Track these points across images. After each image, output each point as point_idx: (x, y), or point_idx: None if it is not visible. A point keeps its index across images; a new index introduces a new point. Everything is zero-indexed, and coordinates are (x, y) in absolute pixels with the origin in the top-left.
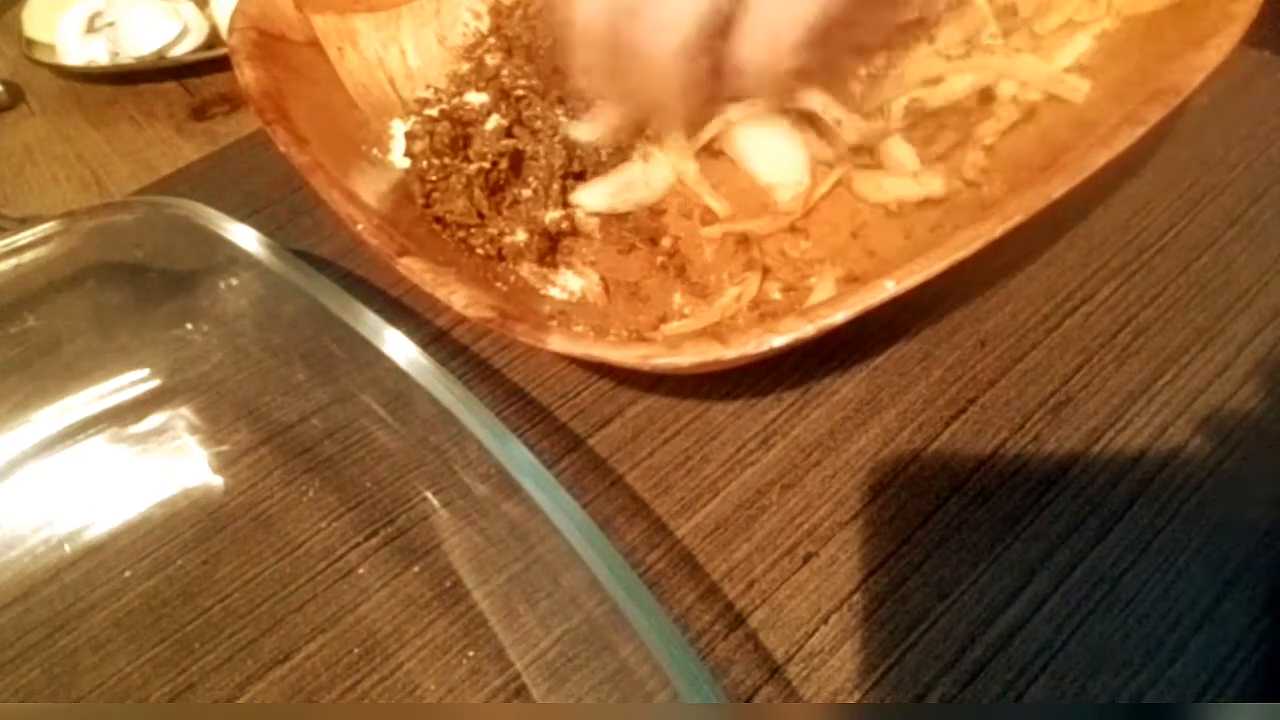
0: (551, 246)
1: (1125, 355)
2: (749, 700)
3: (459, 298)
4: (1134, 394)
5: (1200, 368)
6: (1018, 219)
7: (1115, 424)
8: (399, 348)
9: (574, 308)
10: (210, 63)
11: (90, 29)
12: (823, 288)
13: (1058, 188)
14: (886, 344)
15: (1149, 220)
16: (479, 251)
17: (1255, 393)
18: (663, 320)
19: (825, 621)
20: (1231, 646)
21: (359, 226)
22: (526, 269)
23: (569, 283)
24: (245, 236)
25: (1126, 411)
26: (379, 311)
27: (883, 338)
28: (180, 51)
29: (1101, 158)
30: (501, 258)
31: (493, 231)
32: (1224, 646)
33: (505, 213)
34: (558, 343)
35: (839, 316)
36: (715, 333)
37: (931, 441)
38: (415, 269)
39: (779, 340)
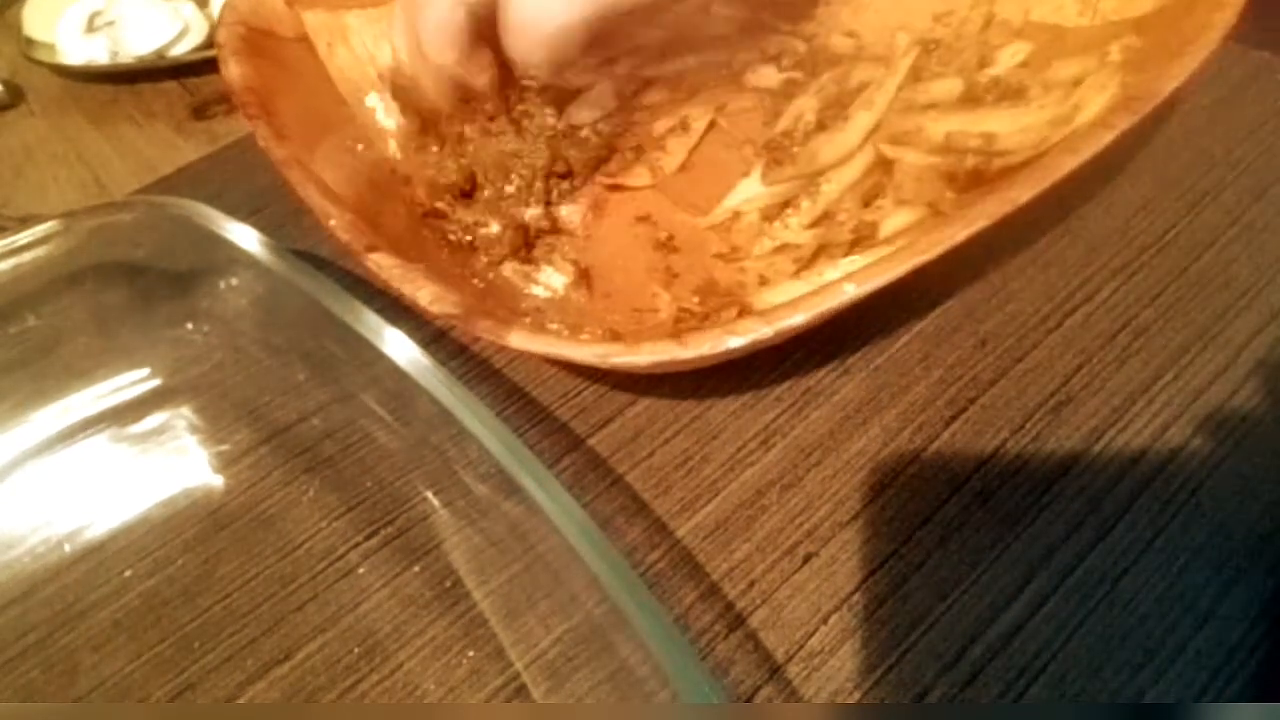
0: (527, 243)
1: (1125, 355)
2: (749, 700)
3: (425, 294)
4: (1134, 394)
5: (1201, 368)
6: (981, 224)
7: (1115, 424)
8: (399, 347)
9: (553, 306)
10: (210, 62)
11: (90, 28)
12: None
13: (1024, 193)
14: (886, 344)
15: (1149, 220)
16: (451, 238)
17: (1255, 393)
18: (639, 316)
19: (825, 621)
20: (1231, 646)
21: (331, 222)
22: (508, 267)
23: (550, 280)
24: (245, 236)
25: (1127, 411)
26: (379, 311)
27: (883, 338)
28: (180, 51)
29: (1068, 164)
30: (474, 248)
31: (468, 220)
32: (1224, 646)
33: (483, 203)
34: (519, 340)
35: (798, 318)
36: (673, 333)
37: (931, 441)
38: (384, 265)
39: (736, 341)
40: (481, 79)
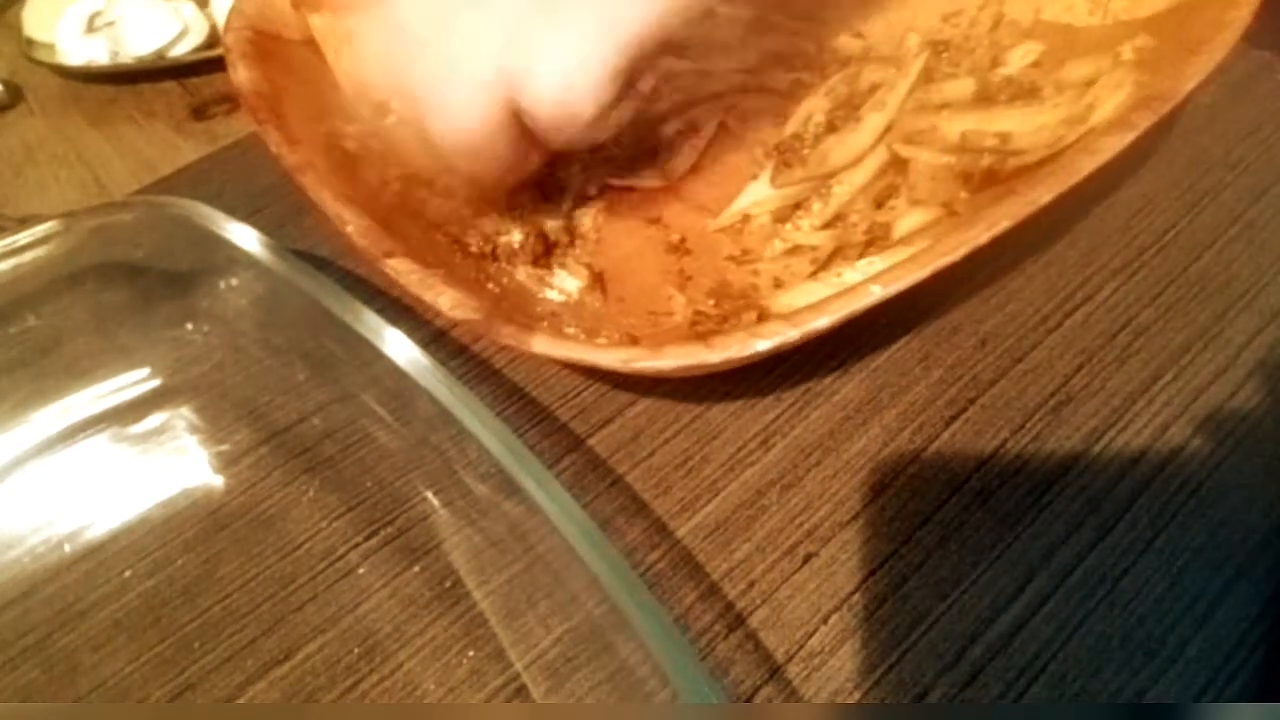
0: (547, 250)
1: (1125, 355)
2: (749, 700)
3: (445, 299)
4: (1134, 394)
5: (1201, 368)
6: (1004, 225)
7: (1115, 424)
8: (399, 347)
9: (568, 310)
10: (210, 62)
11: (90, 29)
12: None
13: (1044, 195)
14: (886, 344)
15: (1149, 220)
16: (473, 249)
17: (1255, 393)
18: (655, 320)
19: (825, 621)
20: (1231, 646)
21: (348, 228)
22: (522, 271)
23: (565, 284)
24: (245, 236)
25: (1127, 411)
26: (379, 311)
27: (883, 338)
28: (180, 51)
29: (1088, 165)
30: (495, 257)
31: (488, 230)
32: (1224, 646)
33: (503, 213)
34: (542, 345)
35: (823, 321)
36: (691, 336)
37: (931, 441)
38: (402, 270)
39: (763, 344)
40: (523, 167)
